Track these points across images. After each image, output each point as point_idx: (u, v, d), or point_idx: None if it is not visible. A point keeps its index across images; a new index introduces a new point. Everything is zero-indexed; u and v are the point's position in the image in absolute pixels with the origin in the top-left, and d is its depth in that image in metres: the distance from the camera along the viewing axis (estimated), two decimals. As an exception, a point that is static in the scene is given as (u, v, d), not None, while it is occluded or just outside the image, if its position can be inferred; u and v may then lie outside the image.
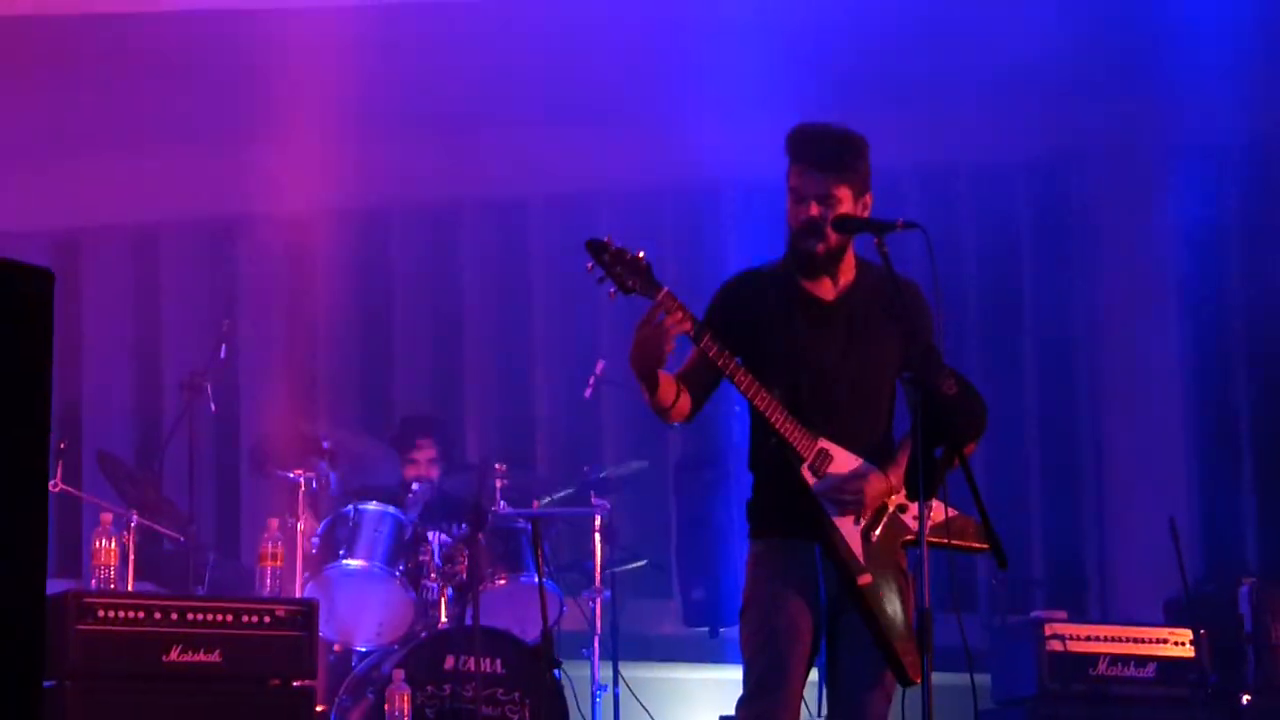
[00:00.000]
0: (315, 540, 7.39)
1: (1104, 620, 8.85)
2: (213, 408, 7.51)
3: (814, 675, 5.00)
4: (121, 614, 6.08)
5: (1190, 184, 9.65)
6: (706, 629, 8.68)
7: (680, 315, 4.76)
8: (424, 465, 8.00)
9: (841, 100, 7.68)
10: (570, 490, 7.91)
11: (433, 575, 7.41)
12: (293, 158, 8.91)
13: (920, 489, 4.75)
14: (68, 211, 9.31)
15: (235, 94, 8.78)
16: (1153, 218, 9.65)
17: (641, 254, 4.75)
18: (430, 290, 9.73)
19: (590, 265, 4.75)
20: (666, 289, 4.75)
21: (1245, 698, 7.36)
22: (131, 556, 6.97)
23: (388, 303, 9.71)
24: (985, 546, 4.90)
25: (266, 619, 6.26)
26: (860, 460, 4.95)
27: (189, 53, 8.69)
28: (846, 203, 4.98)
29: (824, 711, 4.99)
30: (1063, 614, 7.55)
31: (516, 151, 9.38)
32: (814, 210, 4.96)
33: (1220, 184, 9.72)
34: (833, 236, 4.99)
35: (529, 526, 7.36)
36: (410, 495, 7.63)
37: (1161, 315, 9.72)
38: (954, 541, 4.93)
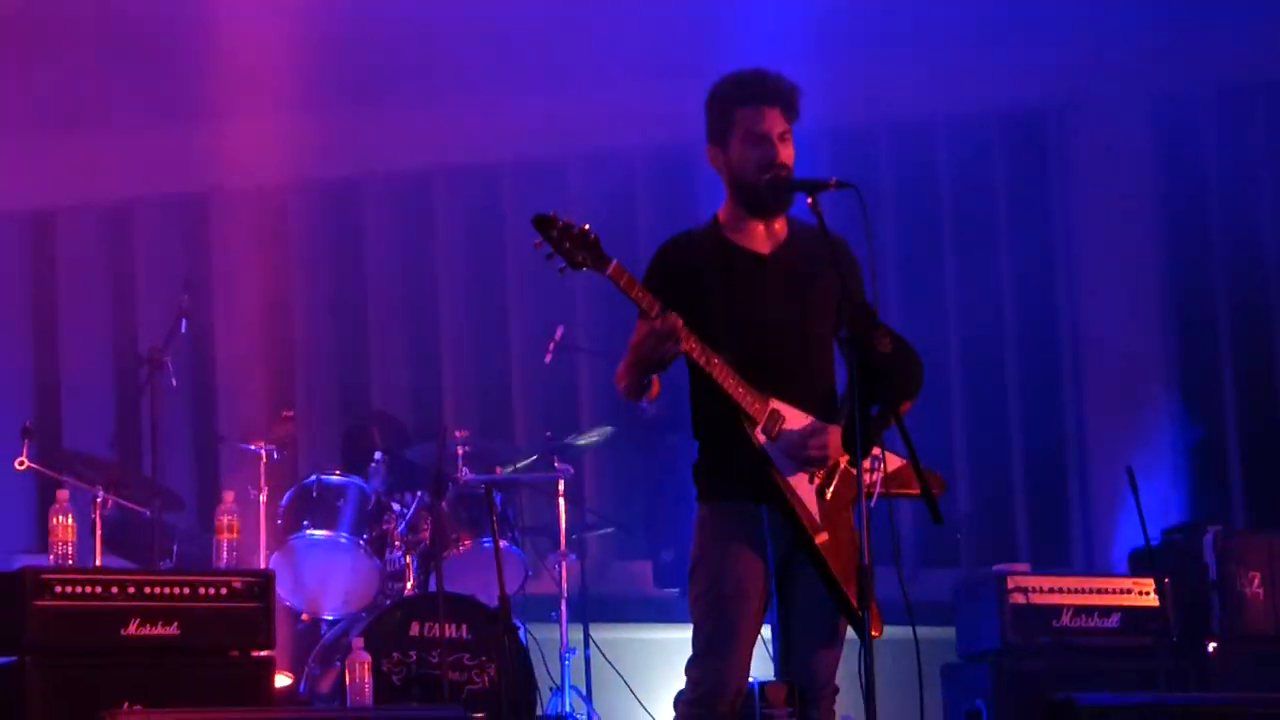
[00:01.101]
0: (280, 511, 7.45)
1: (1088, 572, 8.86)
2: (174, 382, 7.54)
3: (766, 632, 5.02)
4: (79, 589, 6.11)
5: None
6: (676, 590, 8.70)
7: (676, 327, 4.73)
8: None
9: (805, 55, 7.69)
10: (535, 457, 7.92)
11: (397, 543, 7.46)
12: (264, 130, 8.94)
13: (858, 447, 4.75)
14: (40, 190, 9.34)
15: (204, 69, 8.80)
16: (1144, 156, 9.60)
17: (588, 227, 4.72)
18: (404, 258, 9.73)
19: (538, 242, 4.70)
20: (616, 262, 4.72)
21: (1211, 646, 7.33)
22: (99, 532, 7.03)
23: (361, 271, 9.72)
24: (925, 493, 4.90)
25: (224, 591, 6.29)
26: (811, 418, 4.94)
27: (157, 29, 8.71)
28: (792, 146, 4.96)
29: (776, 668, 5.01)
30: (1025, 566, 7.53)
31: (487, 117, 9.38)
32: (780, 151, 4.92)
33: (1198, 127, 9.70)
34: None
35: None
36: (373, 464, 7.65)
37: (1141, 261, 9.68)
38: (895, 491, 4.92)
